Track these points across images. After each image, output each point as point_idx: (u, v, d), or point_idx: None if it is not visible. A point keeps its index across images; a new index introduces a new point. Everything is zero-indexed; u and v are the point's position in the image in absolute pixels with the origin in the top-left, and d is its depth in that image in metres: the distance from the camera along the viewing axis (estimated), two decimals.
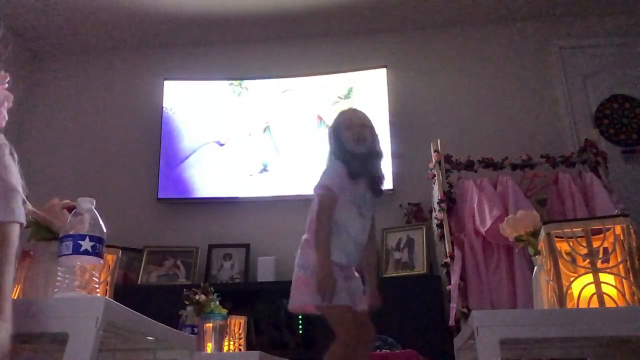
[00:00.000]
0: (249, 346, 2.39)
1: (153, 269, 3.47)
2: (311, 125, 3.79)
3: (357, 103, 3.65)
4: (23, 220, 0.95)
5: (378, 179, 2.04)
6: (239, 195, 3.69)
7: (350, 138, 2.02)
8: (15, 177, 0.96)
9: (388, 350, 2.56)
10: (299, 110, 3.83)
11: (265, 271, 3.38)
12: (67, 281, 1.04)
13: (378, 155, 2.07)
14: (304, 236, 1.98)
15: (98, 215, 1.10)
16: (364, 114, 2.14)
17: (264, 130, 3.82)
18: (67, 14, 3.78)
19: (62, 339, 0.92)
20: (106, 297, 1.05)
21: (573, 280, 1.31)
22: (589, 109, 3.75)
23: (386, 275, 3.23)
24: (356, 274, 1.99)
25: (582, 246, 1.34)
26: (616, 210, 2.72)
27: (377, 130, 2.12)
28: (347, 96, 3.79)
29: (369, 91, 3.77)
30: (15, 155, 0.99)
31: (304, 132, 3.78)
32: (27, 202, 0.99)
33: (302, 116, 3.82)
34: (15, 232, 0.92)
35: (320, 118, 3.79)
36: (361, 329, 1.89)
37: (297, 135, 3.78)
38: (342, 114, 2.14)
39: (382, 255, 3.33)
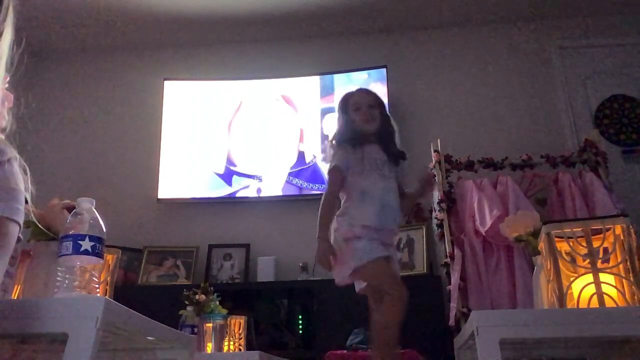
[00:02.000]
0: (249, 346, 2.38)
1: (153, 269, 3.47)
2: (311, 125, 3.79)
3: None
4: (21, 220, 0.94)
5: (391, 140, 2.08)
6: (239, 195, 3.70)
7: (360, 119, 2.05)
8: (21, 183, 0.96)
9: None
10: (299, 111, 3.83)
11: (265, 271, 3.38)
12: (67, 281, 1.04)
13: (390, 131, 2.11)
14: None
15: (98, 215, 1.10)
16: (371, 94, 2.16)
17: (265, 131, 3.82)
18: (66, 14, 3.78)
19: (62, 339, 0.92)
20: (106, 297, 1.05)
21: (573, 280, 1.31)
22: (589, 109, 3.75)
23: None
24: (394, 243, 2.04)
25: (582, 246, 1.34)
26: (616, 210, 2.72)
27: (386, 108, 2.16)
28: None
29: None
30: (27, 169, 0.99)
31: (304, 132, 3.78)
32: (28, 202, 0.98)
33: (302, 116, 3.82)
34: (12, 229, 0.92)
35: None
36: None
37: (297, 135, 3.78)
38: (350, 96, 2.15)
39: None
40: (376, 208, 1.95)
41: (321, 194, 2.05)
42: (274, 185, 3.68)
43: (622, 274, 1.30)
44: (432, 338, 2.84)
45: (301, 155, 3.73)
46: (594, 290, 1.29)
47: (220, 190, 3.71)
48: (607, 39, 3.87)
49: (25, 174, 0.98)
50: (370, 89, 2.27)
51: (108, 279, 1.53)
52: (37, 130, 3.99)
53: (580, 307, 1.28)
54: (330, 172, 2.03)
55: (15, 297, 1.22)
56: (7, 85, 0.99)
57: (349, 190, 2.01)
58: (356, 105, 2.09)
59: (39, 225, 1.25)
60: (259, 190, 3.68)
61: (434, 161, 3.18)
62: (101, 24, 3.93)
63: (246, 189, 3.69)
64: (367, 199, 1.96)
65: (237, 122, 3.86)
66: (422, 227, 3.34)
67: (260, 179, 3.70)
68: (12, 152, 0.97)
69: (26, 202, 0.98)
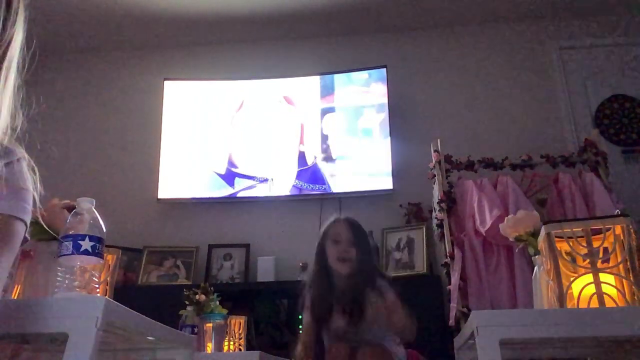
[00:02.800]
0: (249, 346, 2.39)
1: (153, 269, 3.47)
2: (311, 126, 3.79)
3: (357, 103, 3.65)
4: (28, 220, 0.94)
5: (357, 300, 1.88)
6: (238, 195, 3.70)
7: (335, 255, 1.96)
8: (30, 183, 0.95)
9: None
10: (299, 111, 3.83)
11: (265, 271, 3.38)
12: (67, 281, 1.04)
13: (362, 275, 1.93)
14: None
15: (98, 215, 1.10)
16: (354, 227, 2.02)
17: (266, 131, 3.82)
18: (66, 14, 3.78)
19: (62, 339, 0.92)
20: (106, 297, 1.05)
21: (573, 280, 1.31)
22: (589, 109, 3.75)
23: None
24: None
25: (582, 246, 1.34)
26: (616, 210, 2.72)
27: (371, 244, 2.04)
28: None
29: None
30: (36, 169, 0.99)
31: (304, 132, 3.78)
32: (37, 202, 0.98)
33: (302, 116, 3.82)
34: (19, 229, 0.91)
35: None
36: None
37: (297, 135, 3.78)
38: (331, 226, 2.04)
39: (382, 254, 3.34)
40: None
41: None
42: (282, 185, 3.68)
43: (622, 274, 1.30)
44: (432, 338, 2.84)
45: (302, 156, 3.73)
46: (594, 290, 1.29)
47: (221, 190, 3.71)
48: (607, 39, 3.87)
49: (35, 174, 0.98)
50: (355, 220, 2.09)
51: (108, 279, 1.52)
52: (37, 129, 3.99)
53: (580, 307, 1.28)
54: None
55: (15, 297, 1.22)
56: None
57: None
58: (335, 237, 1.99)
59: (44, 225, 1.25)
60: (267, 191, 3.67)
61: (434, 161, 3.18)
62: (101, 24, 3.93)
63: (251, 189, 3.69)
64: None
65: (238, 122, 3.86)
66: (422, 227, 3.35)
67: (264, 180, 3.70)
68: (21, 152, 0.97)
69: (34, 202, 0.97)
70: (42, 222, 1.17)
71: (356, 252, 1.96)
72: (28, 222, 0.94)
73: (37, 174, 0.98)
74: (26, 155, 0.97)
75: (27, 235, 0.96)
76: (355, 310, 1.88)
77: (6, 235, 0.89)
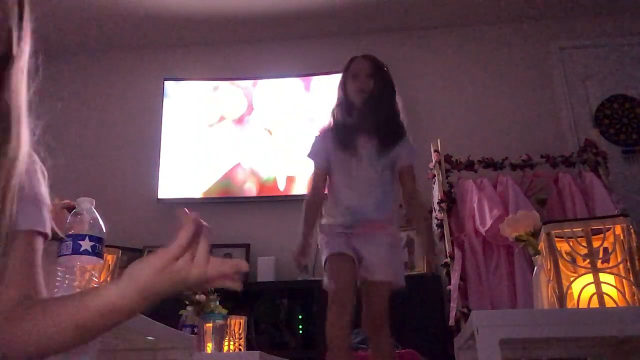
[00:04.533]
0: (249, 346, 2.39)
1: None
2: (311, 125, 3.79)
3: None
4: (49, 232, 0.92)
5: (383, 125, 1.94)
6: (238, 195, 3.69)
7: (354, 89, 1.99)
8: (45, 190, 0.95)
9: None
10: (299, 111, 3.83)
11: (265, 271, 3.38)
12: (66, 281, 1.04)
13: (380, 100, 1.98)
14: None
15: (98, 215, 1.10)
16: (373, 61, 2.07)
17: (265, 131, 3.82)
18: (66, 14, 3.78)
19: None
20: None
21: (573, 280, 1.31)
22: (589, 109, 3.75)
23: None
24: (384, 239, 1.91)
25: (582, 246, 1.34)
26: (616, 210, 2.72)
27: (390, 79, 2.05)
28: None
29: None
30: (46, 174, 0.98)
31: (304, 132, 3.77)
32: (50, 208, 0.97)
33: (303, 117, 3.82)
34: (41, 243, 0.90)
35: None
36: (367, 299, 1.83)
37: (297, 135, 3.77)
38: (351, 63, 2.08)
39: None
40: (341, 210, 1.92)
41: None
42: (284, 185, 3.68)
43: (622, 274, 1.30)
44: (432, 338, 2.84)
45: None
46: (594, 290, 1.29)
47: (221, 190, 3.71)
48: (607, 39, 3.87)
49: (44, 177, 0.97)
50: (374, 55, 2.17)
51: (108, 279, 1.52)
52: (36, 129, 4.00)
53: (580, 307, 1.28)
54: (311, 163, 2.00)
55: None
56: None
57: (329, 183, 2.00)
58: (354, 72, 2.03)
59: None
60: (269, 190, 3.67)
61: (434, 161, 3.18)
62: (101, 24, 3.93)
63: (251, 189, 3.69)
64: (332, 199, 1.95)
65: (239, 121, 3.86)
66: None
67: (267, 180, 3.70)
68: (35, 157, 0.97)
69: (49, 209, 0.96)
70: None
71: (374, 84, 2.00)
72: (49, 232, 0.93)
73: (46, 175, 0.97)
74: (36, 158, 0.96)
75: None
76: (382, 134, 1.93)
77: (31, 253, 0.87)
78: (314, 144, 2.03)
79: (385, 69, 2.11)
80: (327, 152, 1.96)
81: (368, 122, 1.95)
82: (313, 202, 1.96)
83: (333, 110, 2.06)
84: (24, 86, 0.90)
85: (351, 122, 1.96)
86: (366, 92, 1.97)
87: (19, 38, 0.85)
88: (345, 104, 2.00)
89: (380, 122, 1.96)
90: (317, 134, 2.06)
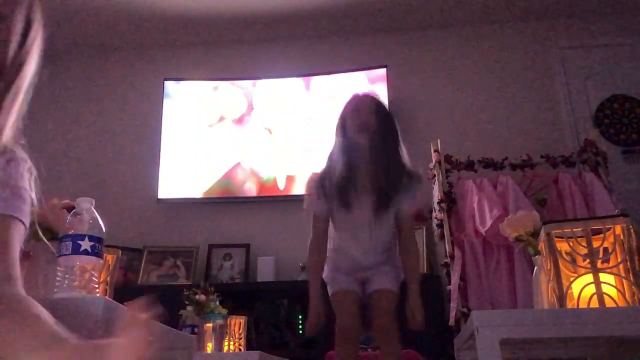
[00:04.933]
0: (249, 346, 2.39)
1: (153, 269, 3.47)
2: (311, 125, 3.79)
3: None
4: (26, 220, 0.91)
5: (385, 177, 1.82)
6: (238, 195, 3.69)
7: (356, 126, 1.85)
8: (27, 183, 0.94)
9: None
10: (299, 111, 3.83)
11: (265, 271, 3.38)
12: (66, 281, 1.04)
13: (385, 142, 1.85)
14: None
15: (97, 215, 1.10)
16: (375, 100, 1.95)
17: (265, 131, 3.82)
18: (66, 14, 3.78)
19: None
20: (106, 297, 1.05)
21: (573, 280, 1.31)
22: (589, 109, 3.75)
23: None
24: (384, 267, 1.92)
25: (582, 246, 1.34)
26: (616, 210, 2.72)
27: (394, 122, 1.91)
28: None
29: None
30: (34, 171, 0.98)
31: (304, 132, 3.77)
32: (34, 203, 0.96)
33: (303, 117, 3.82)
34: (16, 229, 0.89)
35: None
36: (372, 313, 1.84)
37: (297, 135, 3.78)
38: (351, 101, 1.95)
39: None
40: (342, 260, 1.95)
41: None
42: (284, 184, 3.68)
43: (622, 274, 1.30)
44: (432, 338, 2.84)
45: None
46: (594, 290, 1.29)
47: (221, 190, 3.71)
48: (607, 39, 3.87)
49: (31, 175, 0.97)
50: (375, 93, 2.06)
51: (108, 279, 1.53)
52: (36, 129, 4.00)
53: (580, 307, 1.28)
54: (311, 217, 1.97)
55: None
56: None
57: (330, 230, 1.99)
58: (356, 106, 1.91)
59: (43, 225, 1.24)
60: (270, 190, 3.67)
61: (434, 161, 3.18)
62: (101, 24, 3.92)
63: (251, 189, 3.69)
64: (332, 250, 1.97)
65: (239, 121, 3.86)
66: (422, 227, 3.34)
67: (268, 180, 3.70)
68: (21, 153, 0.97)
69: (32, 202, 0.96)
70: (41, 222, 1.16)
71: (376, 122, 1.86)
72: (26, 222, 0.92)
73: (34, 175, 0.97)
74: (26, 157, 0.96)
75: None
76: (383, 189, 1.82)
77: (3, 235, 0.87)
78: (311, 198, 1.97)
79: (388, 110, 2.02)
80: (326, 204, 1.91)
81: (369, 175, 1.84)
82: (317, 262, 1.95)
83: (330, 155, 1.95)
84: (20, 95, 0.91)
85: (351, 175, 1.85)
86: (370, 131, 1.83)
87: (20, 49, 0.86)
88: (346, 146, 1.87)
89: (383, 171, 1.84)
90: (313, 182, 1.96)
